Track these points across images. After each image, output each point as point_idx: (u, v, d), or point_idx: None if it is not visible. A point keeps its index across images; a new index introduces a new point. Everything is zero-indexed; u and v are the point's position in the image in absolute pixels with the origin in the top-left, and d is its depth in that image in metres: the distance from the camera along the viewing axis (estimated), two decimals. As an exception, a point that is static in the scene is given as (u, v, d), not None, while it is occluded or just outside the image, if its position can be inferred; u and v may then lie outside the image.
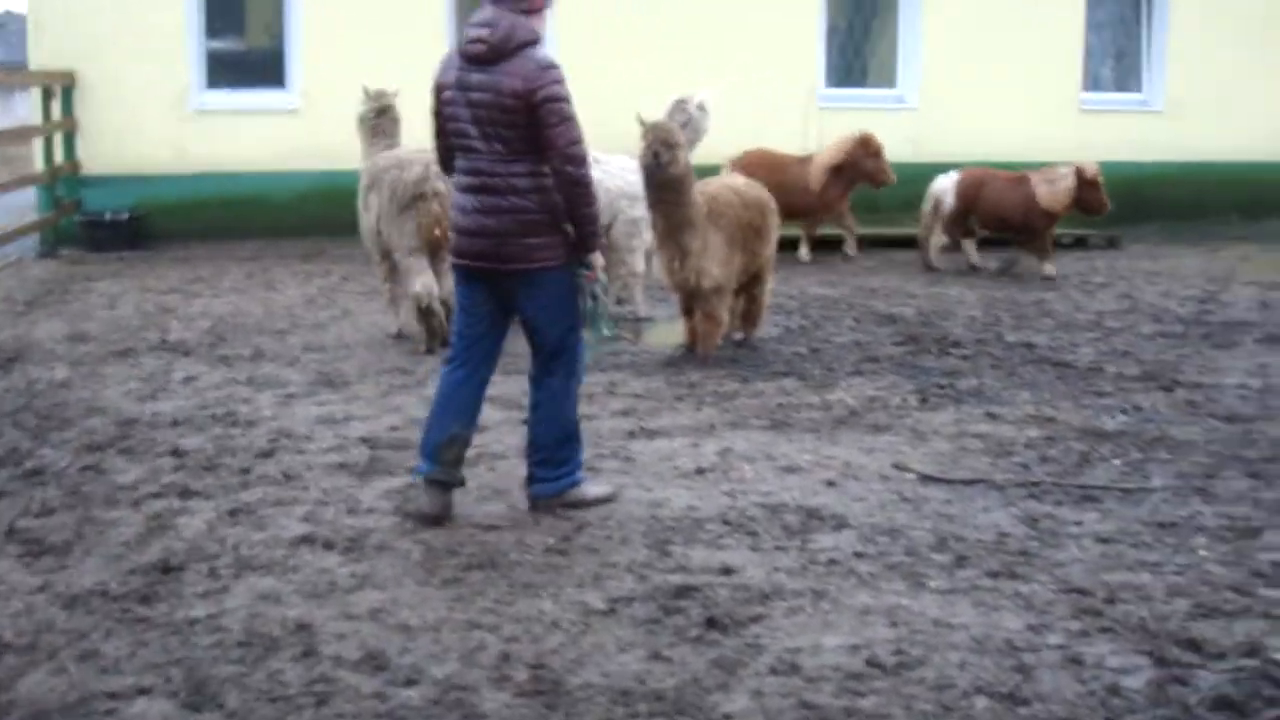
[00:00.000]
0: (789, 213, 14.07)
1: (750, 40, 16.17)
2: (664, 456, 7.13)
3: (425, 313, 9.60)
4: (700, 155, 10.12)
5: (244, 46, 16.26)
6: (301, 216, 15.13)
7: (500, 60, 5.86)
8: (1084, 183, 13.33)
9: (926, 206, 14.00)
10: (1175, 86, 18.23)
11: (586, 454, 6.97)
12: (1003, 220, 13.74)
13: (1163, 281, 13.49)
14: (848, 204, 14.60)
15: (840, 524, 6.11)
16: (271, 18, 15.81)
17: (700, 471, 6.87)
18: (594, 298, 6.19)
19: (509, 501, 6.39)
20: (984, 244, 14.21)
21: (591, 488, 6.42)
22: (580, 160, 5.92)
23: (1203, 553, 5.86)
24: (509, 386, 8.48)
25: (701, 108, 10.93)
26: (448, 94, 6.05)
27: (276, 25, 15.74)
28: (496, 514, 6.23)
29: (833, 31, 17.04)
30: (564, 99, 5.89)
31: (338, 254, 14.01)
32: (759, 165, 13.85)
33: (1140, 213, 17.45)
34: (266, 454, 7.14)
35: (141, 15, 14.91)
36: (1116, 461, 7.22)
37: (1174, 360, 9.82)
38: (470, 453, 7.02)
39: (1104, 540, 5.98)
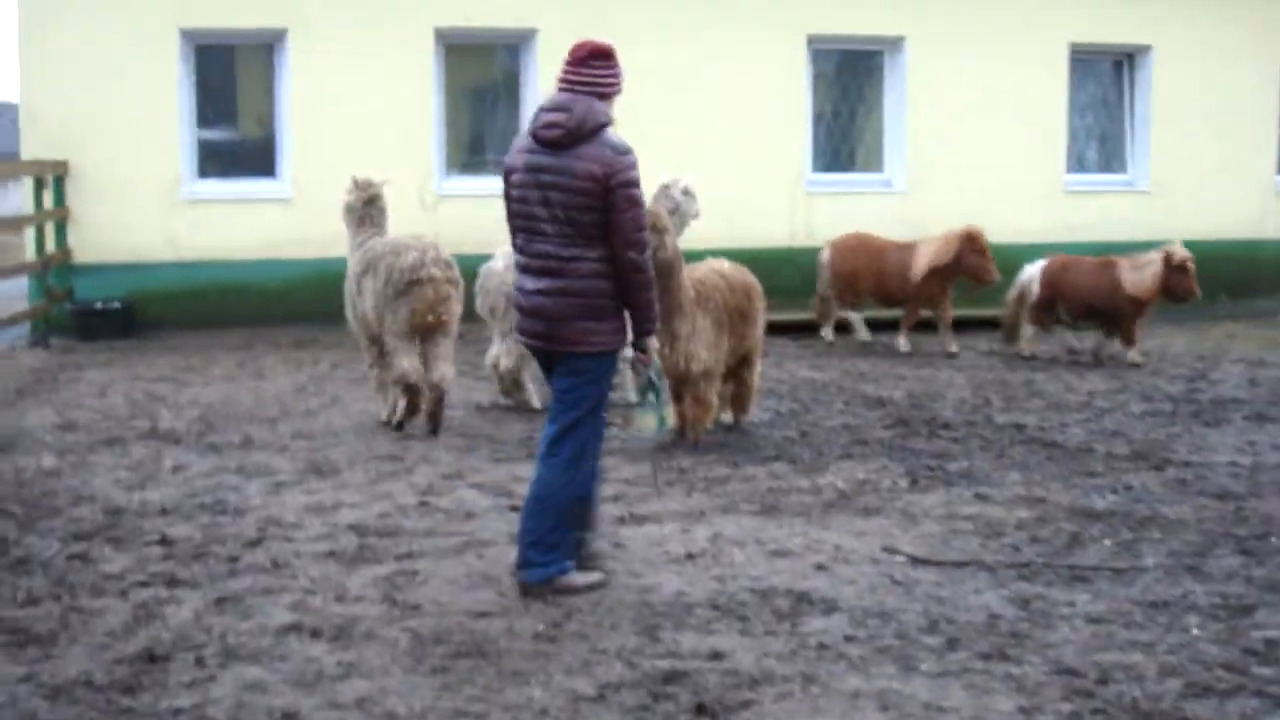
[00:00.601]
0: (886, 300, 14.31)
1: (739, 127, 16.31)
2: (654, 542, 7.11)
3: (410, 389, 9.71)
4: (692, 239, 10.19)
5: (236, 136, 16.38)
6: (292, 304, 15.17)
7: (576, 144, 5.95)
8: (1171, 268, 12.93)
9: (1012, 294, 13.73)
10: (1159, 167, 18.40)
11: (576, 539, 7.00)
12: (1089, 307, 13.34)
13: (1153, 360, 13.53)
14: (950, 297, 14.10)
15: (831, 608, 6.08)
16: (263, 108, 15.94)
17: (690, 556, 6.84)
18: (651, 383, 6.39)
19: (498, 588, 6.35)
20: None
21: (580, 576, 6.35)
22: (643, 247, 6.02)
23: (1195, 631, 5.84)
24: (497, 473, 8.48)
25: (687, 192, 11.05)
26: (516, 177, 6.12)
27: (268, 115, 15.87)
28: (486, 601, 6.19)
29: (819, 118, 17.20)
30: (637, 185, 5.99)
31: (328, 341, 14.03)
32: (858, 250, 13.99)
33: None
34: (255, 542, 7.11)
35: (133, 105, 15.02)
36: (1107, 541, 7.20)
37: (1164, 439, 9.83)
38: (459, 540, 7.06)
39: (1096, 621, 5.95)
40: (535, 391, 10.82)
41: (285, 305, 15.23)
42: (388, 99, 15.47)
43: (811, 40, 16.91)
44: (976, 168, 17.18)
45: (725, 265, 9.78)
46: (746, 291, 9.56)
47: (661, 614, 5.98)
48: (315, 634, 5.74)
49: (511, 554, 6.58)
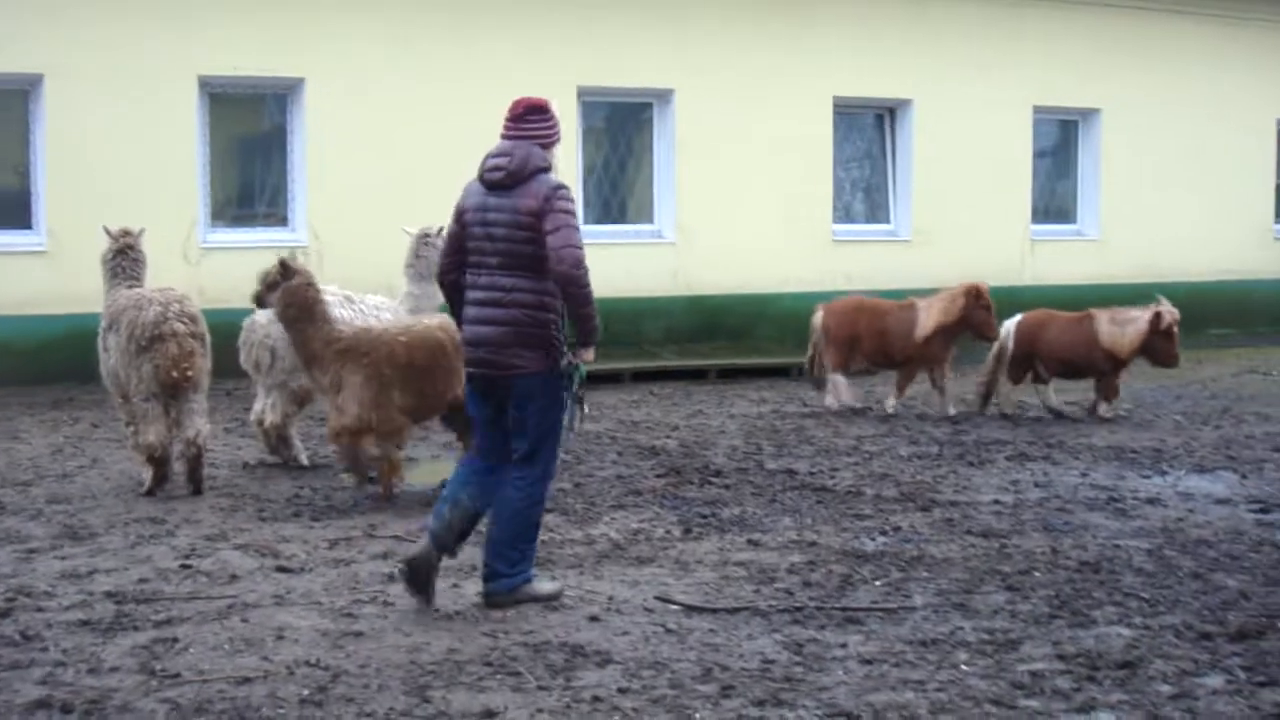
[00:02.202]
0: (889, 361, 13.59)
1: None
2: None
3: (157, 462, 9.36)
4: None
5: (-12, 186, 15.75)
6: (49, 362, 14.59)
7: (517, 185, 6.54)
8: (1157, 332, 12.71)
9: (992, 351, 13.26)
10: (920, 216, 18.93)
11: (343, 600, 6.83)
12: (1064, 362, 13.11)
13: (918, 404, 13.84)
14: (950, 356, 13.51)
15: (605, 660, 6.00)
16: (18, 156, 15.35)
17: (461, 613, 6.71)
18: (579, 386, 6.75)
19: (262, 652, 6.12)
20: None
21: (543, 585, 6.85)
22: (575, 262, 6.46)
23: (964, 668, 5.91)
24: (263, 532, 8.24)
25: (428, 239, 11.07)
26: (469, 216, 6.70)
27: (23, 164, 15.28)
28: (249, 666, 5.95)
29: (589, 170, 17.27)
30: (569, 212, 6.53)
31: (87, 401, 13.53)
32: (856, 312, 13.46)
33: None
34: (2, 614, 6.74)
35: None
36: (878, 582, 7.28)
37: (931, 481, 10.03)
38: (222, 604, 6.81)
39: (868, 661, 5.99)
40: (302, 448, 10.57)
41: (41, 363, 14.64)
42: (149, 148, 15.03)
43: (581, 92, 17.00)
44: (745, 218, 17.44)
45: (417, 322, 9.61)
46: (431, 349, 9.21)
47: (432, 673, 5.83)
48: (66, 709, 5.43)
49: (277, 615, 6.48)
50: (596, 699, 5.52)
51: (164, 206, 14.58)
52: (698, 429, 12.37)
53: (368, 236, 14.81)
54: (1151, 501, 9.42)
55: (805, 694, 5.57)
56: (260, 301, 9.10)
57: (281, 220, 16.10)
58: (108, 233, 10.00)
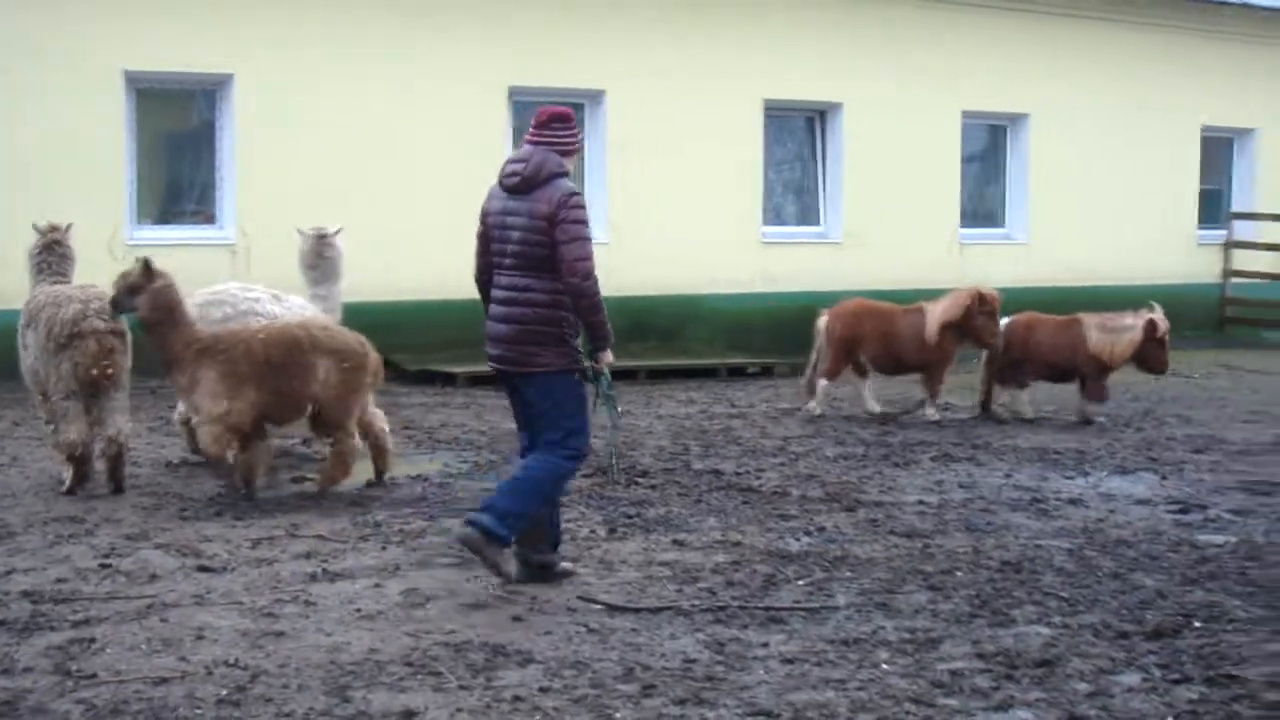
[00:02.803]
0: (901, 365, 13.46)
1: (443, 179, 16.23)
2: (346, 599, 6.90)
3: (77, 460, 9.25)
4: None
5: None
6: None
7: (533, 189, 6.83)
8: (1152, 340, 12.78)
9: (984, 355, 13.33)
10: (851, 219, 19.03)
11: (264, 599, 6.79)
12: (1051, 365, 13.13)
13: (845, 406, 13.90)
14: (950, 362, 13.44)
15: (526, 659, 5.99)
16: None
17: (383, 613, 6.67)
18: (609, 387, 7.14)
19: (181, 653, 6.05)
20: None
21: (508, 560, 7.01)
22: (585, 274, 6.76)
23: (885, 667, 5.95)
24: (185, 532, 8.15)
25: (326, 240, 11.08)
26: (491, 219, 7.03)
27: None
28: (166, 666, 5.88)
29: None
30: (581, 221, 6.83)
31: (8, 398, 13.33)
32: (864, 315, 13.31)
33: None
34: (-85, 614, 6.64)
35: None
36: (801, 582, 7.31)
37: (856, 481, 10.08)
38: (141, 604, 6.74)
39: (790, 661, 6.01)
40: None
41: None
42: (75, 144, 14.79)
43: (513, 92, 16.96)
44: (676, 219, 17.46)
45: (283, 322, 9.55)
46: (288, 346, 9.09)
47: (352, 673, 5.79)
48: (-23, 709, 5.37)
49: (197, 615, 6.49)
50: (517, 698, 5.51)
51: (91, 203, 14.37)
52: (625, 429, 12.33)
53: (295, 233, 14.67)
54: (1073, 502, 9.52)
55: (726, 693, 5.59)
56: (118, 305, 9.05)
57: (209, 218, 15.94)
58: (36, 228, 9.88)
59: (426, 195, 16.17)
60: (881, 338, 13.18)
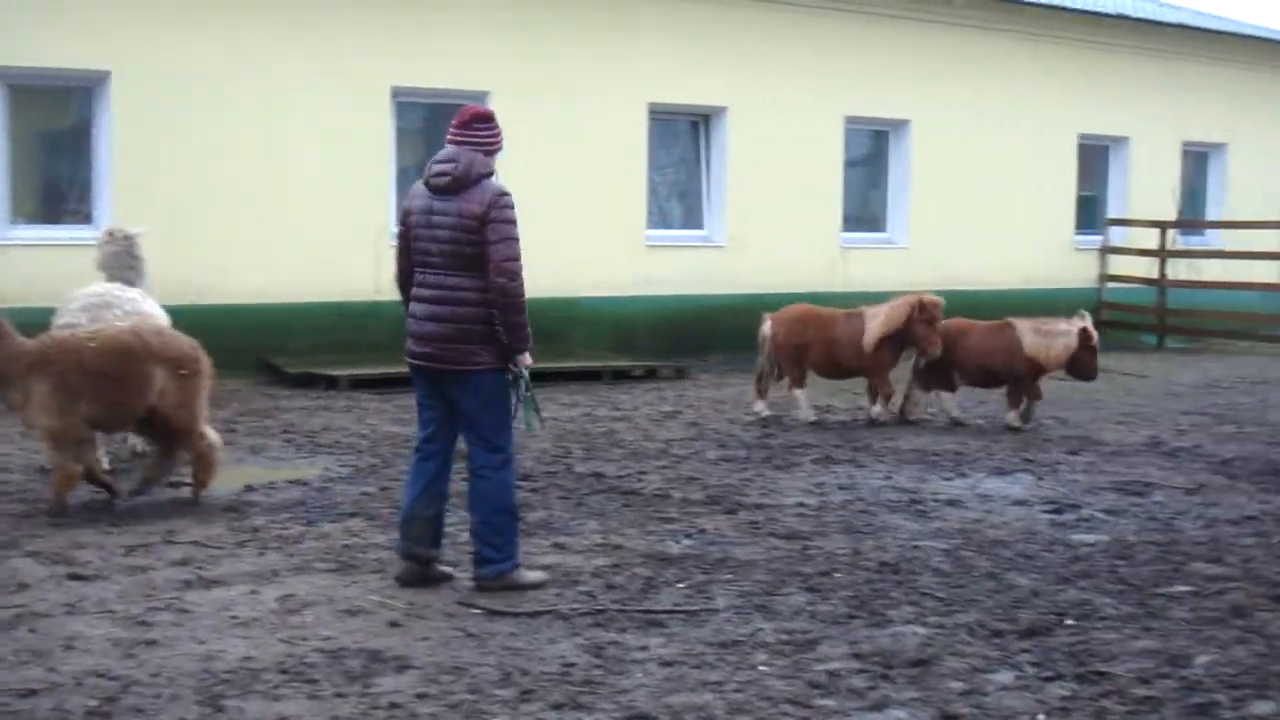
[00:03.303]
0: (841, 370, 13.46)
1: (325, 182, 16.08)
2: (221, 606, 6.80)
3: None
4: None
5: None
6: None
7: (462, 190, 6.88)
8: (1086, 347, 12.90)
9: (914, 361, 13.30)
10: (735, 223, 19.13)
11: (138, 607, 6.68)
12: (986, 370, 13.18)
13: (728, 409, 13.98)
14: (892, 365, 13.34)
15: (403, 666, 5.94)
16: None
17: (258, 619, 6.58)
18: (526, 390, 7.13)
19: (50, 664, 5.93)
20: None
21: (530, 574, 7.23)
22: (513, 274, 6.88)
23: (763, 668, 5.98)
24: (58, 540, 7.99)
25: (128, 239, 10.91)
26: (415, 218, 6.99)
27: None
28: (35, 678, 5.75)
29: (403, 172, 17.09)
30: (511, 221, 6.94)
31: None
32: (806, 320, 13.29)
33: (706, 343, 18.22)
34: None
35: None
36: (681, 585, 7.33)
37: (738, 484, 10.13)
38: (9, 614, 6.59)
39: (668, 664, 6.02)
40: (104, 452, 10.28)
41: None
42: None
43: (396, 93, 16.84)
44: (559, 222, 17.40)
45: (107, 330, 9.19)
46: (121, 355, 8.85)
47: (226, 681, 5.71)
48: None
49: (68, 624, 6.39)
50: (394, 705, 5.47)
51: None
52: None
53: (175, 235, 14.50)
54: (951, 503, 9.63)
55: (604, 697, 5.59)
56: None
57: (86, 218, 15.63)
58: None
59: (307, 196, 16.02)
60: (823, 344, 13.26)
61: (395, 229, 7.22)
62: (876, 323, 13.02)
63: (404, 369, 7.42)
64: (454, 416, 7.15)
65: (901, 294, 13.41)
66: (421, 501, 7.20)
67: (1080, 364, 13.04)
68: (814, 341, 13.25)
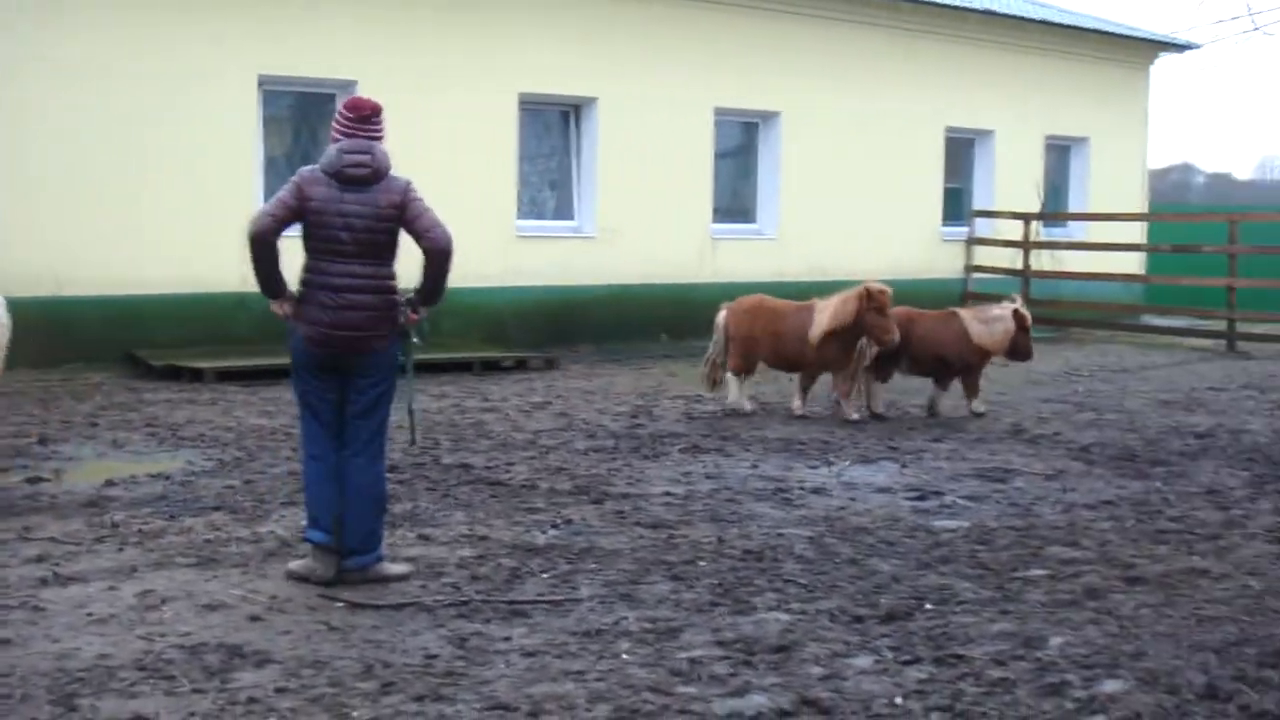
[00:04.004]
0: (790, 363, 13.17)
1: (191, 170, 15.83)
2: (78, 604, 6.67)
3: None
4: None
5: None
6: None
7: (377, 182, 7.06)
8: (1021, 329, 13.18)
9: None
10: (605, 213, 19.15)
11: (-11, 605, 6.54)
12: (939, 359, 13.19)
13: (597, 399, 14.01)
14: (856, 359, 12.91)
15: (264, 660, 5.88)
16: None
17: (116, 616, 6.47)
18: (418, 334, 7.44)
19: (-105, 663, 5.79)
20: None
21: (394, 566, 7.25)
22: (450, 239, 7.17)
23: (625, 657, 6.01)
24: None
25: None
26: (317, 205, 6.99)
27: None
28: (-121, 679, 5.62)
29: (271, 164, 16.88)
30: (424, 199, 7.19)
31: None
32: (756, 313, 13.05)
33: (576, 334, 18.24)
34: None
35: None
36: (546, 575, 7.33)
37: (605, 474, 10.15)
38: None
39: (531, 654, 6.02)
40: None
41: None
42: None
43: (262, 81, 16.62)
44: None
45: None
46: None
47: (80, 680, 5.60)
48: None
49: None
50: (252, 700, 5.41)
51: None
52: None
53: (36, 225, 14.22)
54: (816, 491, 9.74)
55: (466, 688, 5.57)
56: None
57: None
58: None
59: (172, 185, 15.75)
60: (772, 336, 13.06)
61: (276, 205, 7.02)
62: (824, 316, 12.74)
63: (271, 361, 7.38)
64: (341, 406, 7.18)
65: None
66: (327, 495, 7.17)
67: (1018, 346, 13.35)
68: (762, 334, 13.08)
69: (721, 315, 13.32)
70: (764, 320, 13.09)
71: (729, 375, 13.27)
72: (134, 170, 15.58)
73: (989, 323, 13.24)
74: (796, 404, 13.18)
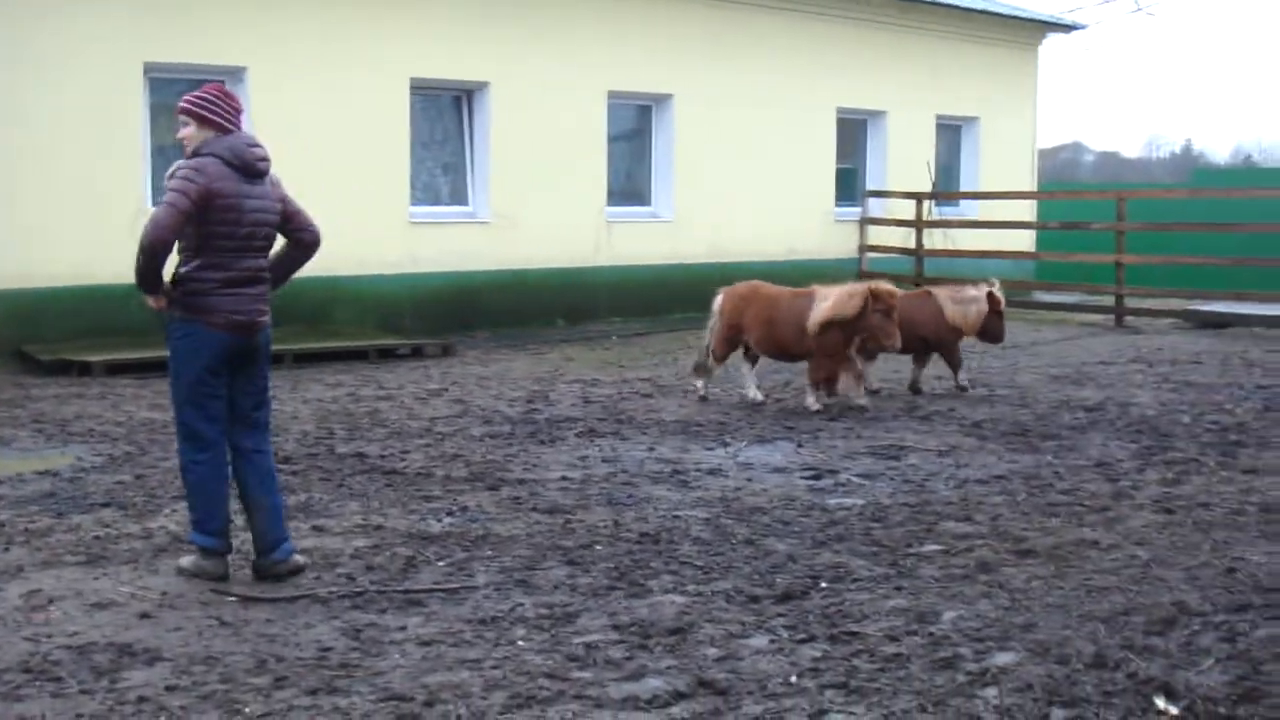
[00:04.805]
0: (785, 353, 12.74)
1: (77, 160, 15.54)
2: (-40, 605, 6.55)
3: None
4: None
5: None
6: None
7: (265, 174, 7.01)
8: (994, 311, 13.26)
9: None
10: (500, 198, 19.07)
11: None
12: (920, 338, 13.18)
13: (493, 385, 13.96)
14: (852, 353, 12.52)
15: (154, 658, 5.78)
16: None
17: (1, 618, 6.34)
18: None
19: None
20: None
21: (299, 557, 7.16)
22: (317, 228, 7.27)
23: (521, 643, 5.99)
24: None
25: None
26: (229, 200, 6.79)
27: None
28: None
29: (159, 152, 16.61)
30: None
31: None
32: (751, 299, 12.64)
33: (472, 320, 18.18)
34: None
35: None
36: (442, 563, 7.30)
37: (501, 460, 10.12)
38: None
39: (427, 643, 5.99)
40: None
41: None
42: None
43: (149, 68, 16.34)
44: (321, 199, 16.86)
45: None
46: None
47: (-37, 683, 5.50)
48: None
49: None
50: (142, 699, 5.33)
51: None
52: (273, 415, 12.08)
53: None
54: (713, 472, 9.77)
55: (360, 679, 5.53)
56: None
57: None
58: None
59: (59, 176, 15.45)
60: (764, 323, 12.66)
61: (181, 200, 6.65)
62: (825, 305, 12.25)
63: (163, 353, 7.26)
64: (231, 401, 7.10)
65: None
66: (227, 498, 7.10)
67: (990, 327, 13.47)
68: (754, 320, 12.70)
69: (717, 300, 13.02)
70: (757, 307, 12.71)
71: (743, 364, 13.07)
72: (19, 161, 15.27)
73: (963, 303, 13.34)
74: (810, 400, 12.58)
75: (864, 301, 12.11)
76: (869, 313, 12.11)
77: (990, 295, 13.38)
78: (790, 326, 12.49)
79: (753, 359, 13.08)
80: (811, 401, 12.57)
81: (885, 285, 12.44)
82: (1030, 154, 27.21)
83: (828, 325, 12.23)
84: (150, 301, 6.98)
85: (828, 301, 12.29)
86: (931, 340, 13.46)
